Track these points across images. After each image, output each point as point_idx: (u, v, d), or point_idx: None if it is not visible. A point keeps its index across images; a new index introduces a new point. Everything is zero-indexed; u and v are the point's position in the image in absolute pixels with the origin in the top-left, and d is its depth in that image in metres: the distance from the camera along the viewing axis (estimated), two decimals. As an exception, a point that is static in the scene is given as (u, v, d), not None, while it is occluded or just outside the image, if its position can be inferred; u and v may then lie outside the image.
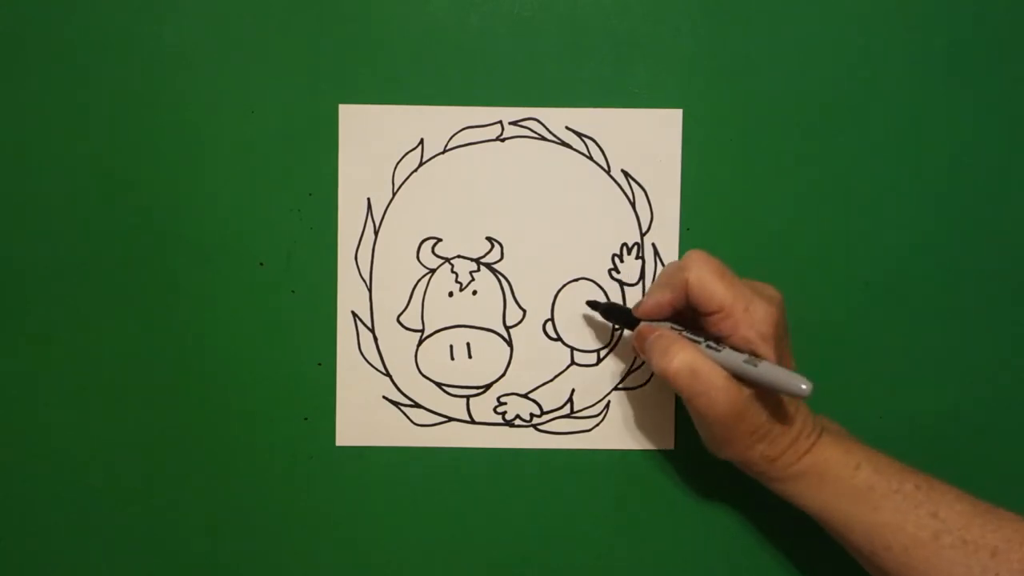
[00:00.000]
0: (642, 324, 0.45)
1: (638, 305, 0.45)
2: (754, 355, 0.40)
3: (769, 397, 0.41)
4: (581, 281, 0.49)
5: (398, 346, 0.49)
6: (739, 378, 0.41)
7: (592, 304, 0.48)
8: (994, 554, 0.38)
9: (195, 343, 0.49)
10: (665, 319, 0.44)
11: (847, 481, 0.41)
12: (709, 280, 0.41)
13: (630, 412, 0.49)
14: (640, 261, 0.49)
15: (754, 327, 0.40)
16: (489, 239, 0.49)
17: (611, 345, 0.49)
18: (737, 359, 0.40)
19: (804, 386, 0.38)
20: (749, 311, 0.41)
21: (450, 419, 0.49)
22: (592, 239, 0.49)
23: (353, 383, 0.49)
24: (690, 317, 0.44)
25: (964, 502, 0.40)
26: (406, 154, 0.49)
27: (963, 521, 0.39)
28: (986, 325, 0.49)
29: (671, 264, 0.44)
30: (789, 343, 0.44)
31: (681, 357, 0.41)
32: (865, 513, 0.40)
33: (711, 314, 0.41)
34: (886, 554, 0.40)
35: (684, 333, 0.43)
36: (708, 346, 0.41)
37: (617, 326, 0.49)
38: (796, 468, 0.42)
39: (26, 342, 0.49)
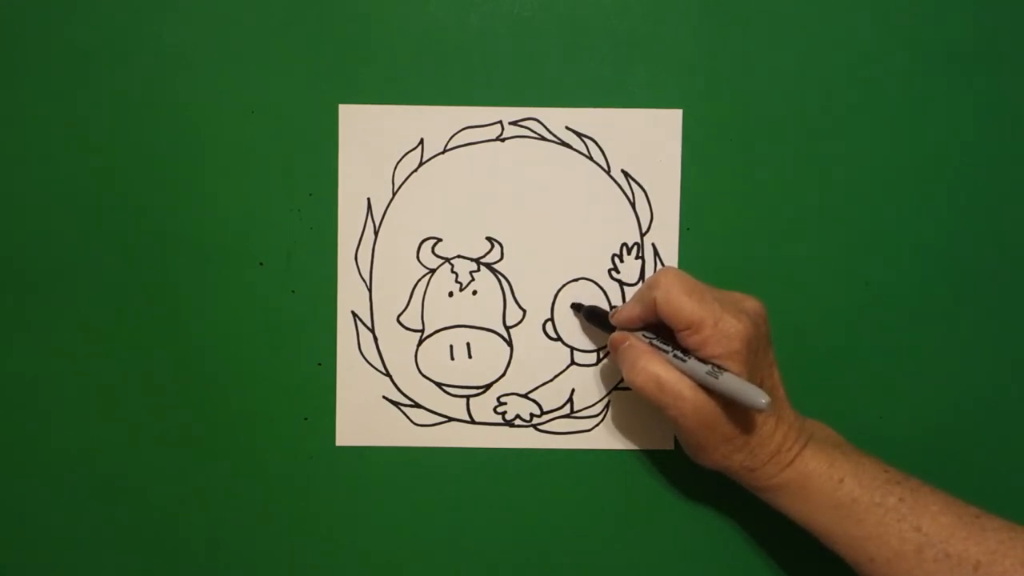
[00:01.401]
0: (615, 332, 0.45)
1: (614, 313, 0.46)
2: (717, 366, 0.40)
3: (741, 408, 0.41)
4: (581, 281, 0.49)
5: (398, 346, 0.49)
6: (707, 389, 0.41)
7: (576, 307, 0.49)
8: (976, 567, 0.38)
9: (195, 343, 0.49)
10: (640, 329, 0.45)
11: (830, 494, 0.41)
12: (676, 299, 0.41)
13: (630, 412, 0.49)
14: (640, 261, 0.49)
15: (721, 344, 0.41)
16: (489, 239, 0.49)
17: (611, 345, 0.49)
18: (701, 370, 0.41)
19: (763, 400, 0.38)
20: (718, 327, 0.41)
21: (450, 419, 0.49)
22: (592, 239, 0.49)
23: (353, 383, 0.49)
24: (668, 326, 0.44)
25: (949, 514, 0.40)
26: (406, 154, 0.49)
27: (946, 534, 0.39)
28: (987, 325, 0.49)
29: (648, 278, 0.45)
30: (770, 355, 0.44)
31: (648, 369, 0.42)
32: (848, 526, 0.41)
33: (681, 331, 0.42)
34: (870, 565, 0.40)
35: (654, 342, 0.43)
36: (676, 356, 0.42)
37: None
38: (778, 479, 0.42)
39: (26, 342, 0.49)
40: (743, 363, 0.41)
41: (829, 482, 0.41)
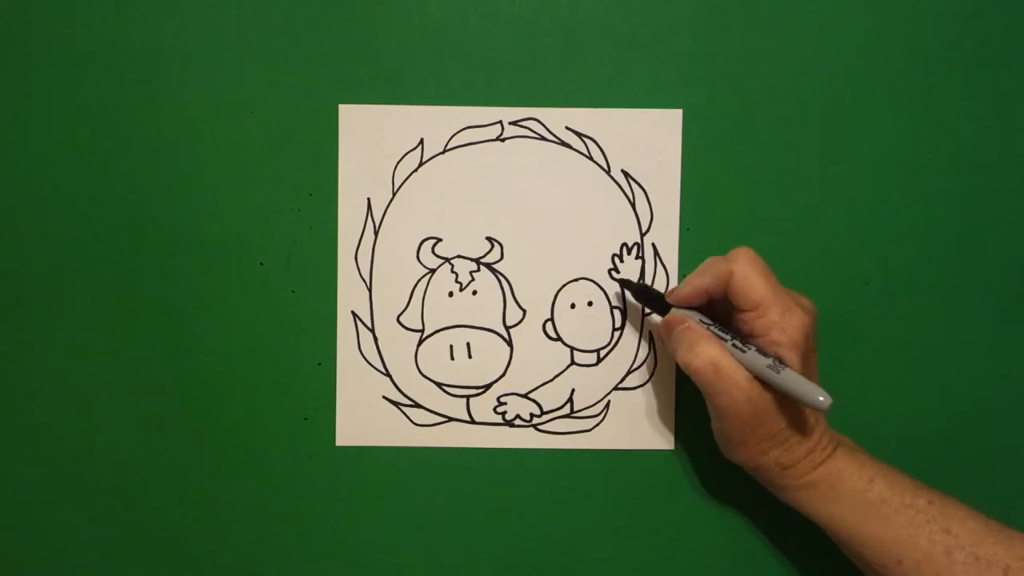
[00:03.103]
0: (672, 312, 0.44)
1: (673, 290, 0.45)
2: (779, 360, 0.40)
3: (790, 404, 0.41)
4: (581, 281, 0.49)
5: (398, 346, 0.49)
6: (761, 381, 0.41)
7: (624, 283, 0.48)
8: (1007, 572, 0.38)
9: (195, 343, 0.49)
10: (698, 308, 0.44)
11: (860, 494, 0.41)
12: (753, 276, 0.41)
13: (630, 412, 0.49)
14: (640, 261, 0.49)
15: (786, 332, 0.41)
16: (489, 239, 0.49)
17: (611, 345, 0.49)
18: (761, 362, 0.40)
19: (823, 399, 0.38)
20: (785, 316, 0.41)
21: (450, 419, 0.49)
22: (592, 239, 0.49)
23: (353, 383, 0.49)
24: (723, 312, 0.44)
25: (976, 520, 0.40)
26: (406, 154, 0.49)
27: (976, 538, 0.39)
28: (987, 325, 0.49)
29: (714, 256, 0.44)
30: (816, 357, 0.44)
31: (707, 353, 0.41)
32: (877, 527, 0.40)
33: (748, 311, 0.41)
34: (896, 568, 0.40)
35: (712, 328, 0.42)
36: (734, 345, 0.41)
37: (647, 310, 0.48)
38: (809, 478, 0.42)
39: (26, 342, 0.49)
40: (801, 356, 0.41)
41: (860, 482, 0.41)
